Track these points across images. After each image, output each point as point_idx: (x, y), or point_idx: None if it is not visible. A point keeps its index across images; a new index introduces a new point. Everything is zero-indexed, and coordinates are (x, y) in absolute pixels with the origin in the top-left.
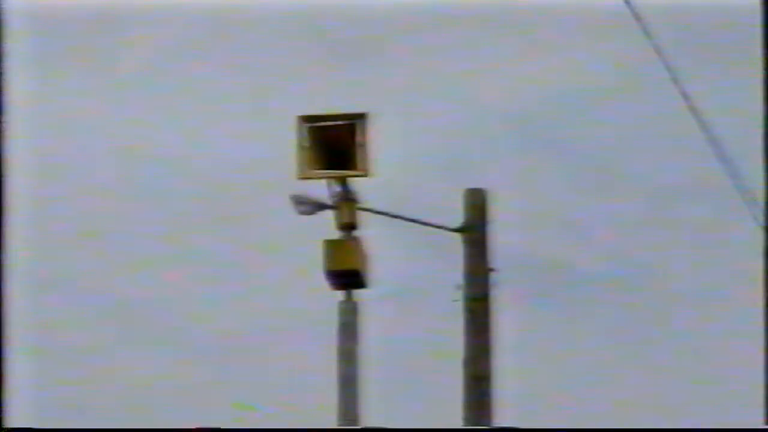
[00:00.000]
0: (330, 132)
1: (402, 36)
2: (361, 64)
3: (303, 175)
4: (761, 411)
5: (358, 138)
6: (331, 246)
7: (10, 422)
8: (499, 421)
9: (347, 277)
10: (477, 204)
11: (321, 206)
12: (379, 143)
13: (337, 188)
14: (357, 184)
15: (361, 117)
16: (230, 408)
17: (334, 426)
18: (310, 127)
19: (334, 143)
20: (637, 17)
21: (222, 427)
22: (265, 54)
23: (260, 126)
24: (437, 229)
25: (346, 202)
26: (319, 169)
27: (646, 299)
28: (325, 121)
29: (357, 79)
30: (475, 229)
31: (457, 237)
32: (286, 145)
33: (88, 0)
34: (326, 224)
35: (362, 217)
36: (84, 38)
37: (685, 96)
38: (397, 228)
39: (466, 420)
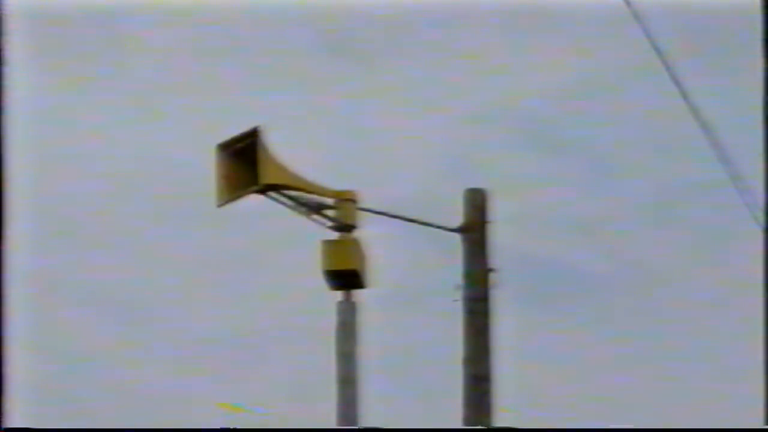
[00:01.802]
0: (243, 153)
1: (402, 35)
2: (363, 63)
3: (220, 203)
4: (761, 411)
5: (258, 153)
6: (330, 246)
7: (10, 422)
8: (499, 421)
9: (346, 277)
10: (477, 204)
11: (320, 206)
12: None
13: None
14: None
15: (254, 132)
16: (229, 408)
17: (334, 426)
18: (224, 154)
19: (250, 163)
20: (637, 17)
21: (222, 427)
22: (268, 54)
23: (262, 127)
24: (437, 229)
25: (346, 202)
26: (237, 191)
27: (646, 299)
28: (235, 144)
29: (358, 79)
30: (475, 229)
31: (457, 237)
32: (288, 144)
33: (90, 0)
34: (325, 224)
35: (361, 217)
36: (85, 38)
37: (685, 96)
38: (397, 228)
39: (466, 420)
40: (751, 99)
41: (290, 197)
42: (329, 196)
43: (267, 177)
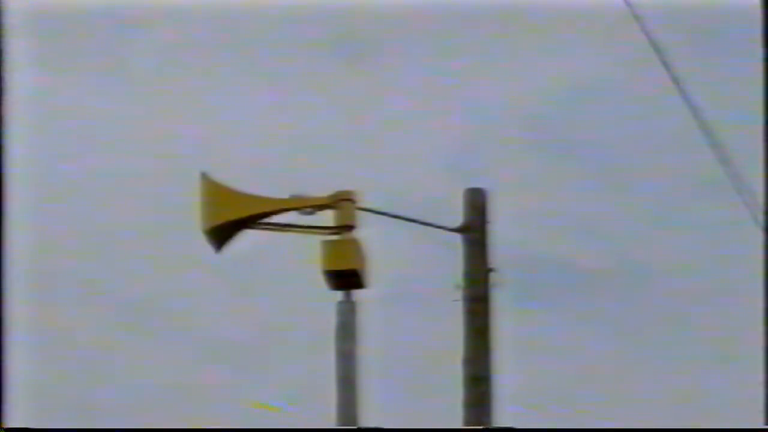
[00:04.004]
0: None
1: (403, 35)
2: (363, 63)
3: (217, 251)
4: (761, 411)
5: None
6: (330, 246)
7: (10, 422)
8: (499, 421)
9: (346, 277)
10: (477, 204)
11: (321, 206)
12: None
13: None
14: None
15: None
16: (228, 408)
17: (334, 426)
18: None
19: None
20: (637, 17)
21: (222, 427)
22: (269, 53)
23: (264, 126)
24: (437, 229)
25: (345, 202)
26: (222, 237)
27: (646, 299)
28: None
29: (361, 78)
30: (475, 229)
31: (457, 237)
32: (291, 145)
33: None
34: (325, 224)
35: (361, 217)
36: (91, 37)
37: (685, 96)
38: (397, 228)
39: (466, 420)
40: (751, 99)
41: (270, 224)
42: (316, 204)
43: (206, 223)
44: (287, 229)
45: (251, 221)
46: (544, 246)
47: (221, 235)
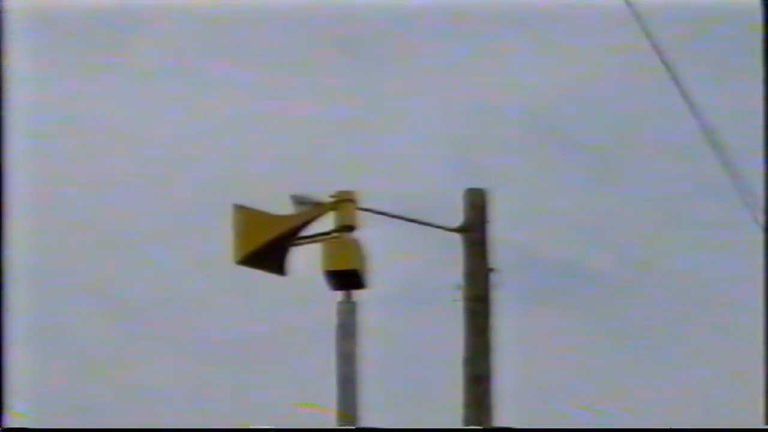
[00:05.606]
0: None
1: (406, 35)
2: (366, 62)
3: (284, 275)
4: (761, 411)
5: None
6: (330, 246)
7: (10, 422)
8: (499, 421)
9: (346, 277)
10: (477, 204)
11: (328, 209)
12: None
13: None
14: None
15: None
16: (228, 408)
17: (334, 426)
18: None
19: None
20: (638, 17)
21: (221, 427)
22: (270, 53)
23: (268, 124)
24: (437, 229)
25: (346, 202)
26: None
27: (646, 299)
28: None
29: (363, 77)
30: (475, 229)
31: (457, 237)
32: (293, 145)
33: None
34: (326, 224)
35: (361, 217)
36: (93, 36)
37: (685, 96)
38: (397, 228)
39: (466, 420)
40: (751, 99)
41: (303, 238)
42: (323, 209)
43: (237, 255)
44: (316, 239)
45: (285, 240)
46: (544, 246)
47: (266, 259)
